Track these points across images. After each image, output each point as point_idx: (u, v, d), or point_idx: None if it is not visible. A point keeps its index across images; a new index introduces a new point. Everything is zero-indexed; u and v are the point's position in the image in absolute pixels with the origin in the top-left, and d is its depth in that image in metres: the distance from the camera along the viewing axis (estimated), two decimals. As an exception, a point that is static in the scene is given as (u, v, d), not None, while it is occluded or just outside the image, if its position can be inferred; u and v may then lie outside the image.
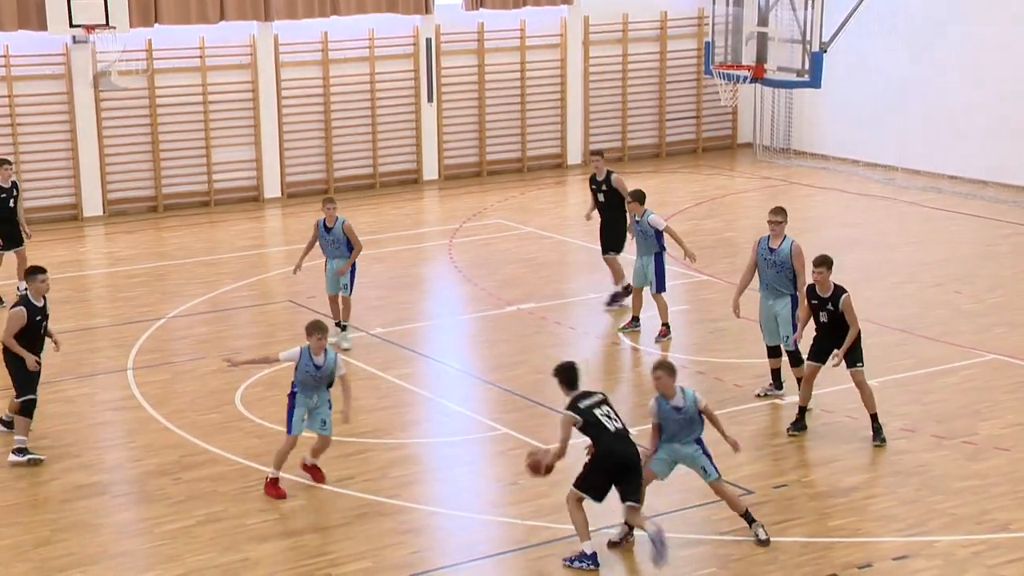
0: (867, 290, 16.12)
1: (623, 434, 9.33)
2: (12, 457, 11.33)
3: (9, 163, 15.58)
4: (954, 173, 22.14)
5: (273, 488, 10.59)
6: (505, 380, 13.18)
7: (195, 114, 20.98)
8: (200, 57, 20.83)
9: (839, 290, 11.42)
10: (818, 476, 10.96)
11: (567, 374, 9.49)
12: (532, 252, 18.25)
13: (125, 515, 10.40)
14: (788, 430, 11.73)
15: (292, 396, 10.62)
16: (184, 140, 21.02)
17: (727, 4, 17.94)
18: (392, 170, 22.70)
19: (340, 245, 13.86)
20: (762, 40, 17.44)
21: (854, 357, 11.48)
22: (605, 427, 9.27)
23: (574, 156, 24.08)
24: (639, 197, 14.07)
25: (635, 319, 14.50)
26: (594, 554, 9.33)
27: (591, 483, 9.31)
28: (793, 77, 17.34)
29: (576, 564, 9.35)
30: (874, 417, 11.58)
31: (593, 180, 15.33)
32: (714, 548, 9.73)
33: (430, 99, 22.63)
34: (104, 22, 19.19)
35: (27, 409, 11.39)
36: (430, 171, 22.89)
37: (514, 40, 23.24)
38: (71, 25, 19.10)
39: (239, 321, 15.46)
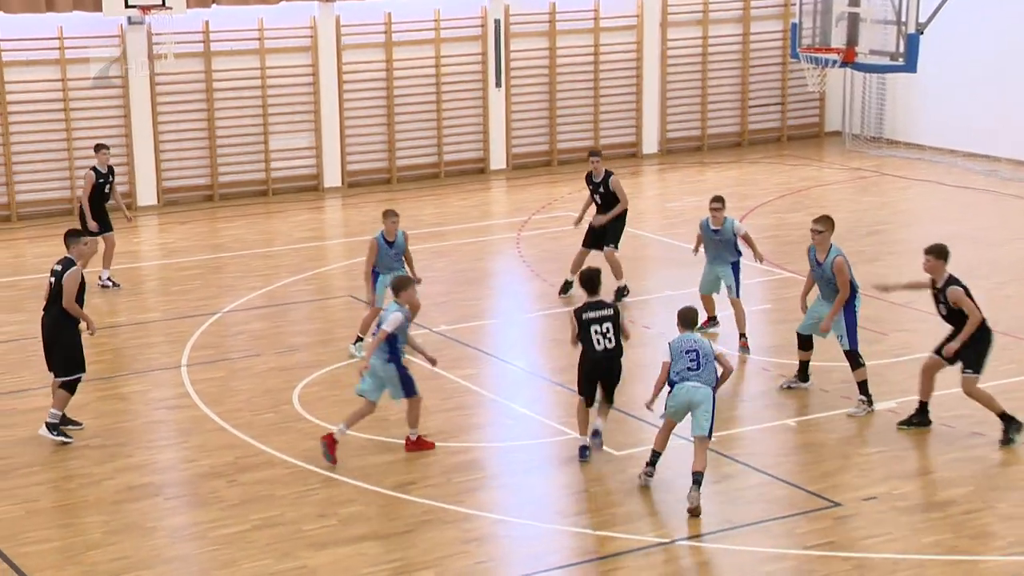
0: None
1: (608, 353, 11.10)
2: (43, 431, 11.70)
3: (107, 148, 16.41)
4: (1061, 164, 21.75)
5: (413, 445, 11.51)
6: (574, 382, 13.11)
7: (253, 99, 21.19)
8: (259, 40, 21.03)
9: (950, 281, 11.46)
10: (910, 489, 10.82)
11: (588, 281, 11.31)
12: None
13: (178, 518, 10.53)
14: (899, 424, 11.87)
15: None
16: (241, 127, 21.24)
17: (815, -18, 17.72)
18: (458, 159, 22.76)
19: (401, 258, 13.80)
20: (853, 21, 17.20)
21: (968, 359, 11.38)
22: (591, 342, 11.12)
23: (650, 145, 23.97)
24: (723, 201, 14.00)
25: (713, 318, 14.50)
26: (582, 448, 11.32)
27: (582, 388, 11.36)
28: (887, 61, 17.10)
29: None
30: (1002, 416, 11.49)
31: (590, 180, 15.61)
32: (799, 563, 9.63)
33: (498, 84, 22.64)
34: (161, 3, 19.43)
35: (72, 386, 11.69)
36: (497, 160, 22.92)
37: (588, 22, 23.18)
38: (127, 6, 19.36)
39: (297, 316, 15.59)
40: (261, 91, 21.19)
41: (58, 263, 11.88)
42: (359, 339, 13.86)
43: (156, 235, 19.43)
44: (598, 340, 11.12)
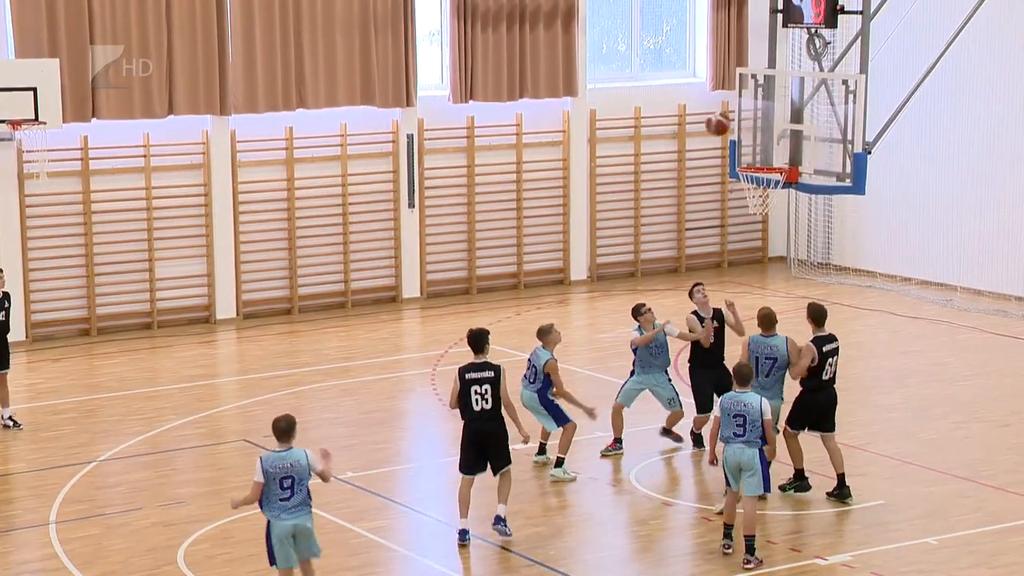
0: (923, 430, 16.13)
1: (485, 414, 12.44)
2: None
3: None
4: (1023, 294, 22.31)
5: None
6: (497, 535, 13.09)
7: (137, 221, 21.18)
8: (144, 156, 21.12)
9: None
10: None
11: (473, 339, 12.70)
12: (529, 383, 18.25)
13: None
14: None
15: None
16: (124, 252, 21.18)
17: (755, 98, 18.17)
18: (366, 287, 22.85)
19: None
20: (796, 139, 17.67)
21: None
22: (470, 404, 12.45)
23: (579, 271, 24.28)
24: (638, 310, 15.26)
25: (618, 440, 15.23)
26: (461, 531, 12.45)
27: (462, 460, 12.64)
28: (832, 182, 17.53)
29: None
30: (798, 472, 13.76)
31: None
32: None
33: (411, 204, 22.89)
34: (33, 117, 19.45)
35: None
36: (410, 288, 23.05)
37: (510, 137, 23.61)
38: (-7, 120, 19.40)
39: (183, 464, 15.40)
40: (146, 212, 21.21)
41: None
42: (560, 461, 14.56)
43: (24, 374, 19.15)
44: (476, 400, 12.47)
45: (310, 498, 10.84)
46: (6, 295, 16.23)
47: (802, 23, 17.46)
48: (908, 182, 23.55)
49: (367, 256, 22.80)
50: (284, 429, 10.83)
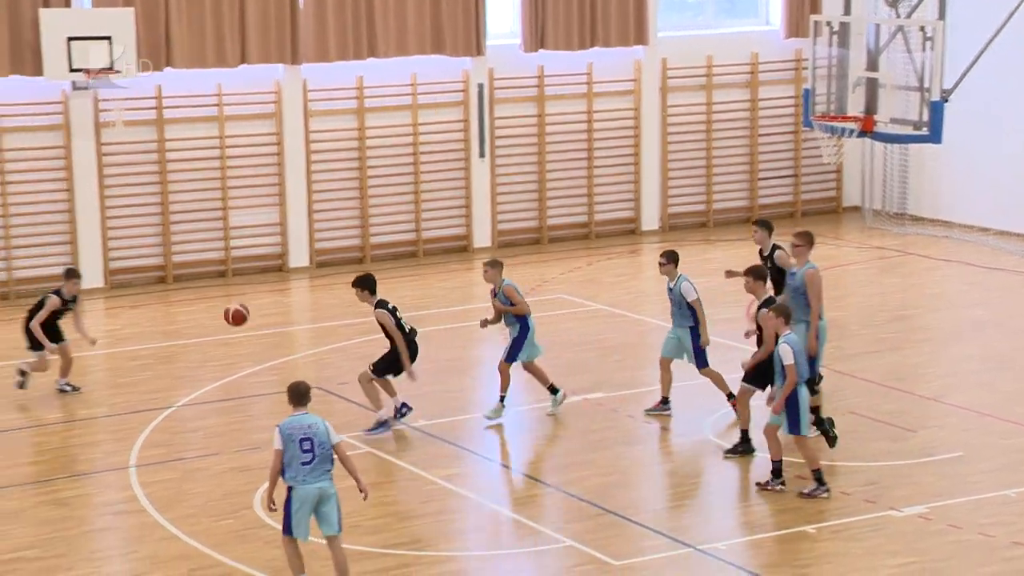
0: (998, 381, 15.96)
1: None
2: None
3: (79, 276, 16.01)
4: (1102, 243, 21.97)
5: None
6: (569, 483, 13.16)
7: (211, 171, 21.36)
8: (217, 105, 21.26)
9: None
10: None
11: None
12: (600, 332, 18.27)
13: (125, 638, 10.46)
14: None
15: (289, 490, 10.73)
16: (198, 201, 21.38)
17: (829, 45, 17.97)
18: (438, 236, 22.92)
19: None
20: (872, 87, 17.46)
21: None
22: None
23: (650, 221, 24.20)
24: (674, 258, 14.76)
25: (665, 400, 14.94)
26: None
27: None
28: (909, 130, 17.33)
29: None
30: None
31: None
32: None
33: (482, 154, 22.90)
34: (108, 66, 19.63)
35: None
36: (481, 238, 23.09)
37: (580, 86, 23.51)
38: (70, 70, 19.56)
39: (259, 411, 15.59)
40: (220, 162, 21.38)
41: None
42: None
43: (102, 321, 19.45)
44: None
45: (332, 465, 10.70)
46: (75, 298, 15.84)
47: (880, -31, 17.22)
48: (986, 130, 23.18)
49: (438, 205, 22.85)
50: (300, 392, 10.85)
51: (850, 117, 17.54)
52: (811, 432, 12.88)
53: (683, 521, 12.41)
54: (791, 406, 12.51)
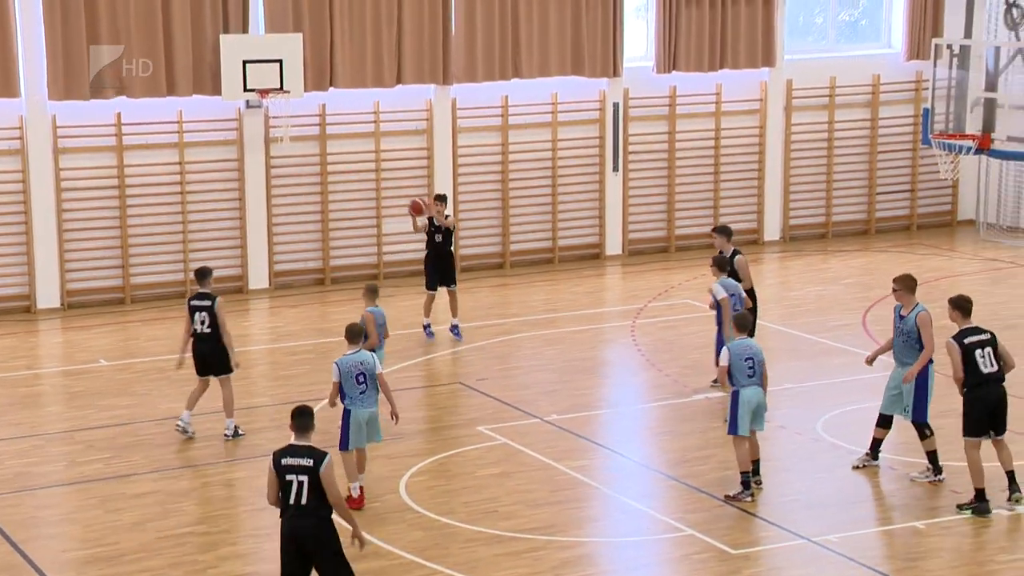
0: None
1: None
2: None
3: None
4: None
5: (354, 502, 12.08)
6: (690, 476, 13.06)
7: (367, 182, 21.63)
8: (375, 122, 21.53)
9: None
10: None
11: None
12: (723, 336, 18.07)
13: (281, 607, 10.61)
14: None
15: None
16: (355, 210, 21.66)
17: (950, 67, 17.62)
18: (572, 244, 22.90)
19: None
20: (990, 107, 17.07)
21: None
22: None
23: (772, 232, 23.87)
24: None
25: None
26: None
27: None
28: (1025, 148, 16.89)
29: None
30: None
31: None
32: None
33: (615, 168, 22.82)
34: (279, 86, 20.02)
35: None
36: (613, 246, 23.02)
37: (709, 105, 23.29)
38: (245, 89, 19.99)
39: (405, 403, 15.67)
40: (375, 174, 21.64)
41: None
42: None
43: (266, 318, 19.83)
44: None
45: (377, 392, 12.31)
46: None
47: (1000, -7, 16.80)
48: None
49: (574, 215, 22.83)
50: (355, 332, 12.44)
51: (968, 135, 17.17)
52: (746, 432, 12.50)
53: (798, 515, 12.21)
54: (732, 405, 12.46)
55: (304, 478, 9.56)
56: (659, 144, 23.12)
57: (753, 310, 15.34)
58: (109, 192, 20.26)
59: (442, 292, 18.14)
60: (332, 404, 12.43)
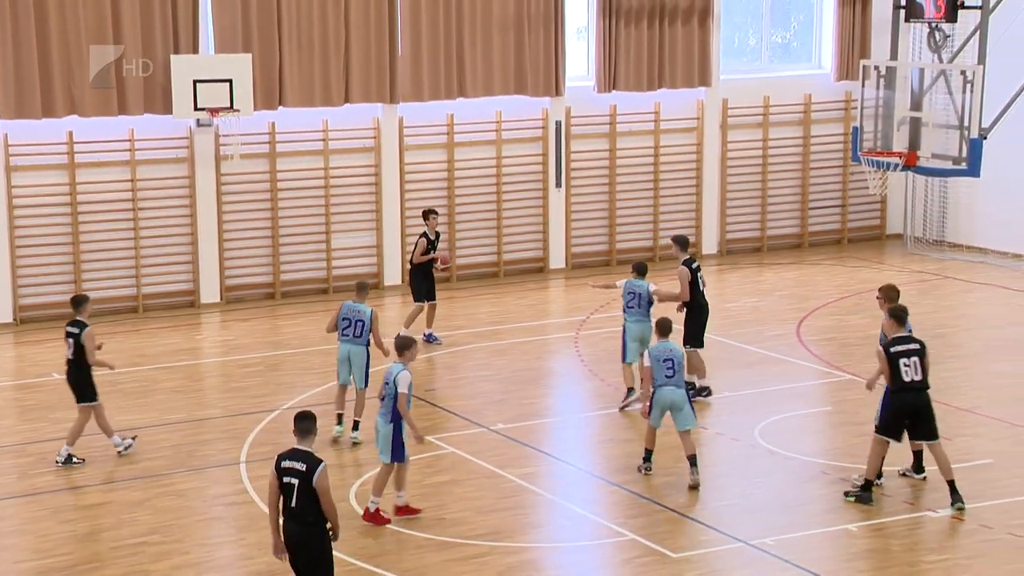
0: (1030, 396, 15.68)
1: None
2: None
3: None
4: None
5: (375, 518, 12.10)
6: (632, 482, 13.12)
7: (317, 198, 21.58)
8: (323, 140, 21.49)
9: None
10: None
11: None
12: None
13: (233, 615, 10.56)
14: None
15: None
16: (304, 226, 21.59)
17: (877, 87, 17.85)
18: (517, 258, 22.97)
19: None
20: (915, 125, 17.30)
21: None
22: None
23: (710, 246, 24.08)
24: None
25: (631, 390, 15.22)
26: None
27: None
28: (949, 165, 17.13)
29: None
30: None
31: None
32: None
33: (559, 184, 22.93)
34: (229, 105, 19.93)
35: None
36: (557, 259, 23.11)
37: (648, 124, 23.46)
38: (196, 108, 19.88)
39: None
40: (324, 191, 21.59)
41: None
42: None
43: (218, 332, 19.72)
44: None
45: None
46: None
47: (923, 18, 17.07)
48: (1021, 164, 22.79)
49: (518, 230, 22.90)
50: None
51: (895, 152, 17.40)
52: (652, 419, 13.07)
53: (736, 519, 12.32)
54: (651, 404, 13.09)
55: (296, 482, 9.62)
56: (600, 161, 23.26)
57: (693, 319, 15.48)
58: (61, 209, 20.08)
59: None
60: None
